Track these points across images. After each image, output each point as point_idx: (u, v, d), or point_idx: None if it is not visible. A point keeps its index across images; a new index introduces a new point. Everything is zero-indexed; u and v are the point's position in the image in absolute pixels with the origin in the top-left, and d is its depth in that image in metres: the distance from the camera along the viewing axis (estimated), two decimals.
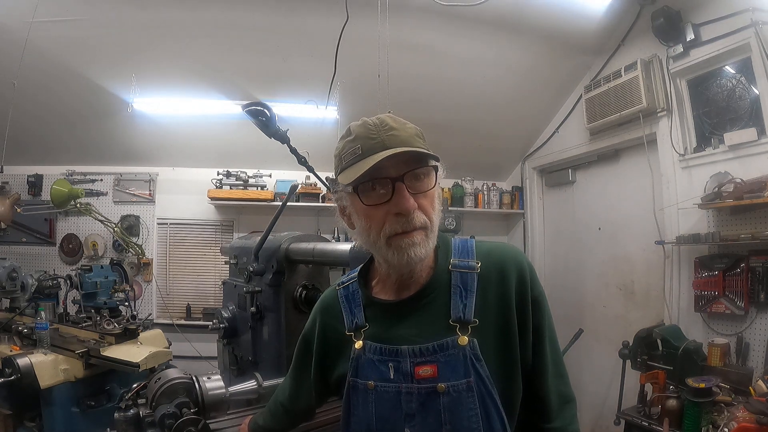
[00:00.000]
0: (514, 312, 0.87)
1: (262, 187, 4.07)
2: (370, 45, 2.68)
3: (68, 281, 2.84)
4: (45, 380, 2.12)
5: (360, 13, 2.58)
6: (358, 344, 0.91)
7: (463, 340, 0.83)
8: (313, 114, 3.43)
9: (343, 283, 1.02)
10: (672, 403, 2.32)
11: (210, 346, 2.83)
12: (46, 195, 3.95)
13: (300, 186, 3.97)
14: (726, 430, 1.98)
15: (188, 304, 4.19)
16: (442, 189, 4.64)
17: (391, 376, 0.86)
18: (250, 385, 1.44)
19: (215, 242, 4.23)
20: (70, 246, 4.10)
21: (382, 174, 0.82)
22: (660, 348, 2.56)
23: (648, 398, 2.49)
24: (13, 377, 2.08)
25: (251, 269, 1.82)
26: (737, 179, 2.43)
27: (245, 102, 1.64)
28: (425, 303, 0.89)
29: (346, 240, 2.08)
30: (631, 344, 2.73)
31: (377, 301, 0.94)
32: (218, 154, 4.08)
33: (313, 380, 1.05)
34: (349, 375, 0.91)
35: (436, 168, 0.86)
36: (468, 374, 0.82)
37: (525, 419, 0.90)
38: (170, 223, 4.23)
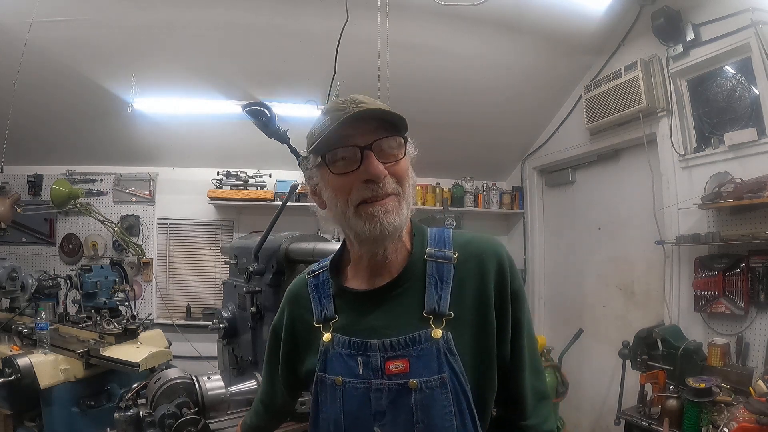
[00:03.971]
0: (492, 305, 0.83)
1: (262, 187, 4.07)
2: (370, 45, 2.67)
3: (68, 281, 2.85)
4: (45, 380, 2.13)
5: (360, 13, 2.58)
6: (327, 337, 0.87)
7: (437, 333, 0.79)
8: (313, 114, 3.42)
9: (313, 271, 0.98)
10: (672, 403, 2.32)
11: (210, 346, 2.83)
12: (46, 195, 3.96)
13: (300, 186, 3.95)
14: (726, 430, 1.98)
15: (188, 304, 4.19)
16: (442, 189, 4.60)
17: (360, 372, 0.82)
18: (250, 385, 1.45)
19: (215, 242, 4.23)
20: (70, 246, 4.10)
21: (350, 142, 0.80)
22: (660, 348, 2.56)
23: (648, 398, 2.49)
24: (13, 377, 2.09)
25: (251, 269, 1.82)
26: (737, 179, 2.43)
27: (245, 102, 1.64)
28: (398, 293, 0.85)
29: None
30: (631, 344, 2.72)
31: (348, 290, 0.90)
32: (218, 154, 4.08)
33: (282, 374, 1.01)
34: (317, 370, 0.87)
35: (405, 139, 0.84)
36: (442, 370, 0.78)
37: (500, 416, 0.88)
38: (170, 223, 4.24)
